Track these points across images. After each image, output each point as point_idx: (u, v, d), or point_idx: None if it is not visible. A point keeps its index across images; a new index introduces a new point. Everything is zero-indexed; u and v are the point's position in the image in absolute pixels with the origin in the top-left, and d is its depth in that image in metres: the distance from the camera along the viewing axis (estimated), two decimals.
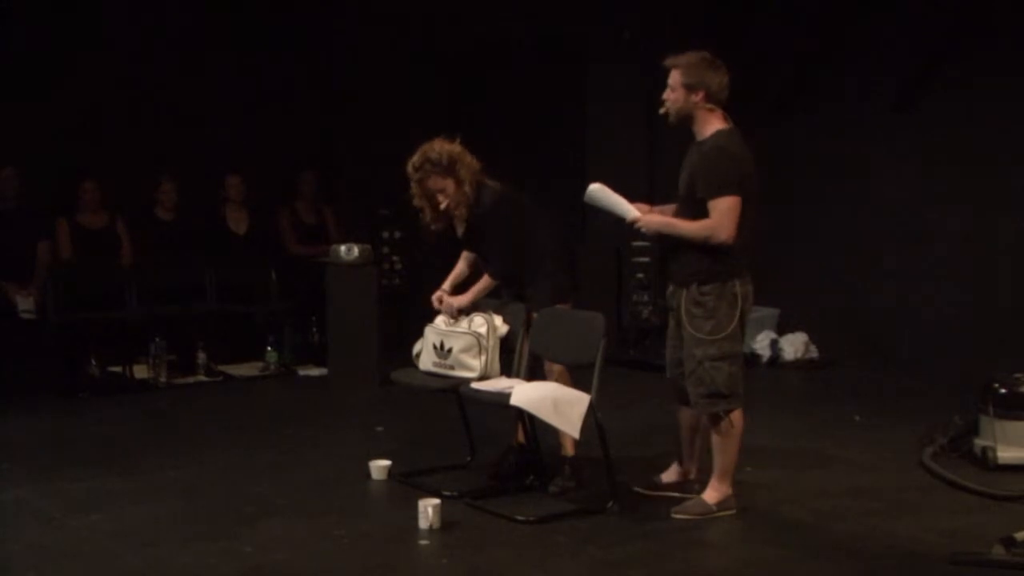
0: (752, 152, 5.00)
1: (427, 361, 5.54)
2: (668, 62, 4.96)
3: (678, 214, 5.05)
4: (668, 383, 5.23)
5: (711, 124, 4.93)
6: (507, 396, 5.05)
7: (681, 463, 5.39)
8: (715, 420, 5.00)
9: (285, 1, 9.65)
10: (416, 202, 5.60)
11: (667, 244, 5.08)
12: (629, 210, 5.04)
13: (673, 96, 4.94)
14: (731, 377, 4.93)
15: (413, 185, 5.54)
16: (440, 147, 5.45)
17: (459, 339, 5.40)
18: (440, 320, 5.58)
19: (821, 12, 8.58)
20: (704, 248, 4.86)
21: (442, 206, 5.50)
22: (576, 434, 5.16)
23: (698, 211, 4.89)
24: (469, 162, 5.46)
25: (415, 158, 5.47)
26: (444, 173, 5.43)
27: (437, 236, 5.76)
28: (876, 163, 8.58)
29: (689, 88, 4.88)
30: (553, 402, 5.02)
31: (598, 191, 5.10)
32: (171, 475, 5.76)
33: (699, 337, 4.92)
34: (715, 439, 5.03)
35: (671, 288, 5.10)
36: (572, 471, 5.50)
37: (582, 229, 8.70)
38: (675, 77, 4.92)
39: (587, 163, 9.12)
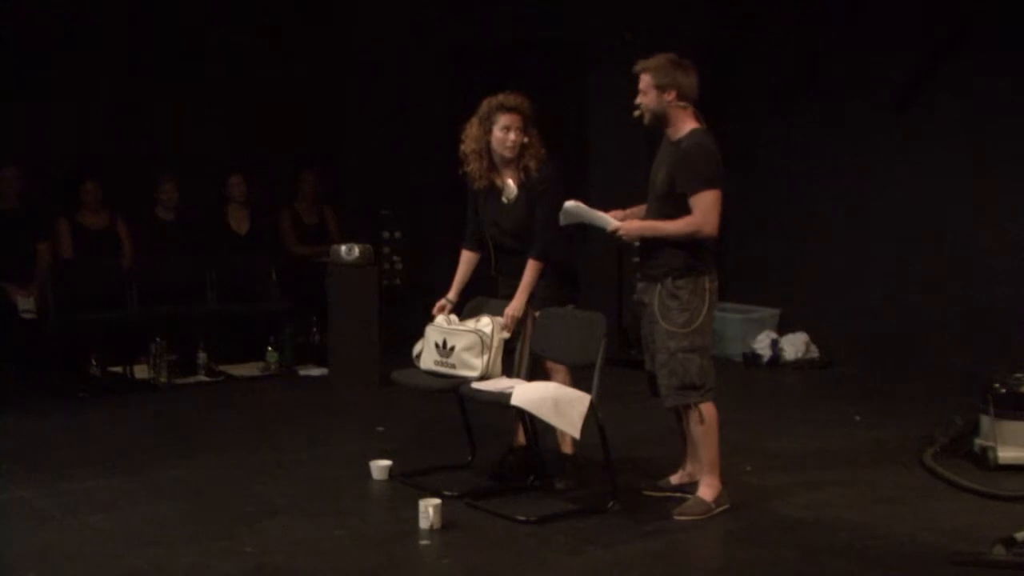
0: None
1: (428, 360, 5.52)
2: (638, 67, 5.09)
3: (651, 213, 5.14)
4: (646, 376, 5.29)
5: (685, 123, 5.04)
6: (508, 396, 5.06)
7: (685, 465, 5.40)
8: (687, 412, 5.07)
9: (286, 1, 9.66)
10: (468, 147, 5.53)
11: (642, 243, 5.16)
12: (608, 221, 5.11)
13: (646, 99, 5.07)
14: (702, 369, 5.02)
15: (475, 128, 5.50)
16: (528, 100, 5.49)
17: (462, 337, 5.39)
18: (442, 319, 5.57)
19: (821, 12, 8.58)
20: (681, 244, 4.96)
21: (506, 146, 5.41)
22: (577, 434, 5.17)
23: (677, 208, 4.97)
24: (537, 132, 5.50)
25: (500, 98, 5.46)
26: (524, 120, 5.45)
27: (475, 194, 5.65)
28: (876, 163, 8.58)
29: (661, 88, 5.01)
30: (554, 402, 5.02)
31: (574, 208, 5.14)
32: (171, 475, 5.76)
33: (672, 330, 5.00)
34: (696, 435, 5.09)
35: (642, 284, 5.20)
36: (574, 469, 5.51)
37: (583, 230, 8.70)
38: (646, 80, 5.05)
39: (589, 165, 9.11)
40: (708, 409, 5.06)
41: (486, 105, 5.52)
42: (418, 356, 5.60)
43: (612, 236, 5.16)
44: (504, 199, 5.55)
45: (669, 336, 5.02)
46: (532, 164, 5.48)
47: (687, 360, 4.99)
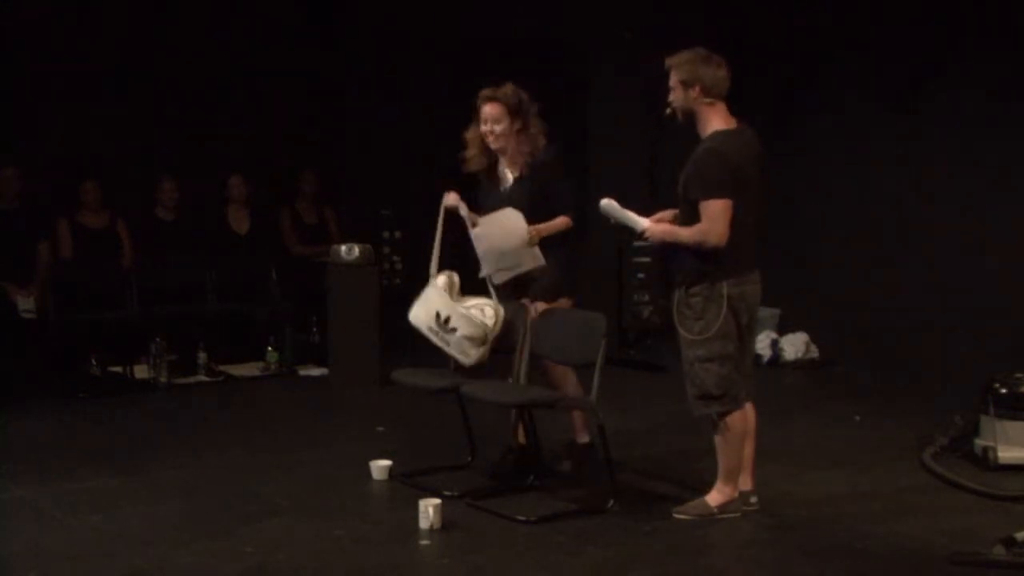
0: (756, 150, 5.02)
1: (420, 318, 5.47)
2: (667, 63, 5.05)
3: (679, 215, 5.08)
4: None
5: (711, 122, 4.98)
6: (506, 394, 5.07)
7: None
8: (709, 421, 5.02)
9: (286, 1, 9.65)
10: (469, 135, 5.67)
11: (665, 249, 5.14)
12: (638, 221, 5.08)
13: (674, 95, 5.03)
14: (721, 378, 4.92)
15: (475, 117, 5.63)
16: (516, 89, 5.59)
17: (468, 325, 5.34)
18: (443, 280, 5.53)
19: (820, 13, 8.58)
20: (695, 251, 4.91)
21: (490, 139, 5.54)
22: (543, 261, 5.34)
23: (693, 212, 4.93)
24: (535, 119, 5.57)
25: (484, 89, 5.61)
26: (508, 110, 5.52)
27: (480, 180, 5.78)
28: (876, 163, 8.57)
29: (685, 84, 4.97)
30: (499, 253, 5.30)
31: (608, 206, 5.11)
32: (171, 475, 5.76)
33: (689, 338, 4.95)
34: (716, 441, 5.04)
35: (671, 292, 5.15)
36: (580, 455, 5.60)
37: (583, 229, 8.69)
38: (673, 76, 5.02)
39: (590, 164, 9.11)
40: (732, 420, 4.96)
41: (481, 95, 5.64)
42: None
43: (640, 237, 5.14)
44: (502, 188, 5.62)
45: (687, 344, 4.96)
46: (525, 151, 5.55)
47: (704, 369, 4.91)
